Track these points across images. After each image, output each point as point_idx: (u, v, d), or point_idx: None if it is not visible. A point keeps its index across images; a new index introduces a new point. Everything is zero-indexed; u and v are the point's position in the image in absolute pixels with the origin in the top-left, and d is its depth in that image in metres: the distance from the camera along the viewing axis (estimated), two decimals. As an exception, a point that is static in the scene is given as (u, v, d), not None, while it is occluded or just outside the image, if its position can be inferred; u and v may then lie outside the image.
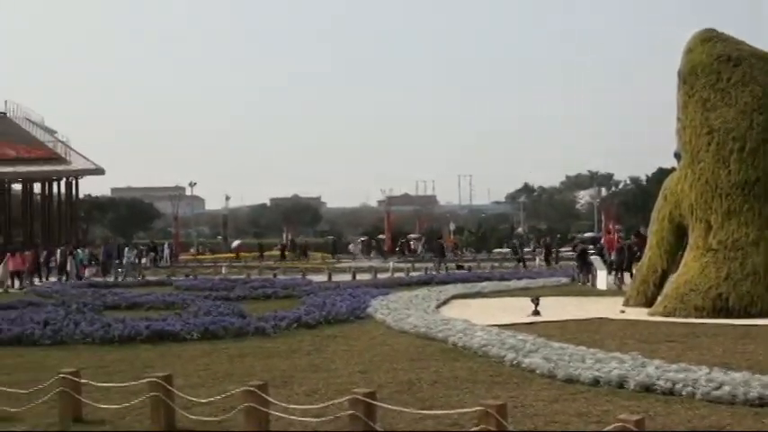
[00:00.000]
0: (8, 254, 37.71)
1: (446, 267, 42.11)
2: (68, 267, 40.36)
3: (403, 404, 8.98)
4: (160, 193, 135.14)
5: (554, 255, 48.47)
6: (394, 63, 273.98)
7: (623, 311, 19.65)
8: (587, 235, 65.12)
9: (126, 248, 47.04)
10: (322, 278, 34.30)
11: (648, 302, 20.01)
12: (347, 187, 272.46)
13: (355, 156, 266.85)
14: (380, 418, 7.68)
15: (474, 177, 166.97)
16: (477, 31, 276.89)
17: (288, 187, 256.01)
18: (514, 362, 11.97)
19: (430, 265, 44.14)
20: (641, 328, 16.61)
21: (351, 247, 51.79)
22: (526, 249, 56.66)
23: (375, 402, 7.40)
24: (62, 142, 63.47)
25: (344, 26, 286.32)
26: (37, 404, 9.45)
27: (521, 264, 44.36)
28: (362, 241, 70.88)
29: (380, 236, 73.28)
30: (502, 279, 31.36)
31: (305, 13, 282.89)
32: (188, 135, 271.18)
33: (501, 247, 69.29)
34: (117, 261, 43.50)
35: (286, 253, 63.30)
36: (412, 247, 66.32)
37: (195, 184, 77.12)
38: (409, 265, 44.49)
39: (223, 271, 43.25)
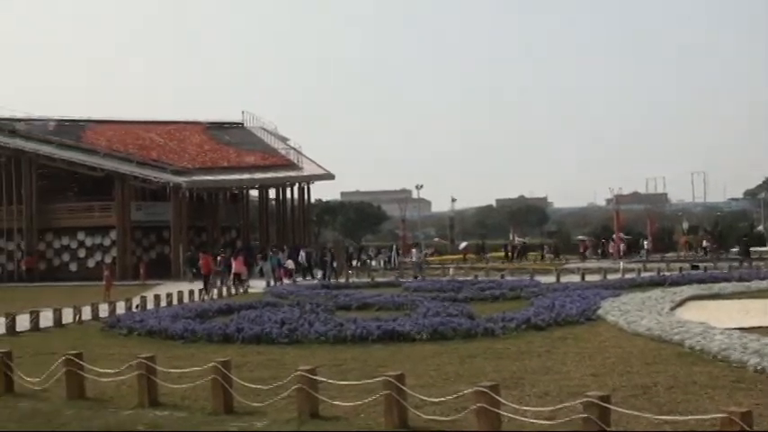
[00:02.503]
0: (232, 256, 39.39)
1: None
2: (265, 269, 41.60)
3: (638, 409, 8.69)
4: (387, 196, 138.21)
5: None
6: (625, 60, 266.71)
7: None
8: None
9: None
10: (550, 279, 33.85)
11: None
12: (574, 187, 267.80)
13: (582, 154, 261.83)
14: (615, 423, 7.47)
15: (708, 174, 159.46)
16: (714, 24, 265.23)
17: (514, 188, 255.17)
18: (758, 367, 11.32)
19: (662, 265, 42.60)
20: None
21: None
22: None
23: (609, 406, 7.21)
24: (294, 149, 66.05)
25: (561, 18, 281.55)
26: (277, 400, 9.85)
27: None
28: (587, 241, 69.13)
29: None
30: (741, 280, 29.73)
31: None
32: (414, 139, 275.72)
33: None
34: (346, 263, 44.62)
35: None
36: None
37: (422, 186, 77.94)
38: (640, 265, 43.08)
39: (450, 272, 43.53)
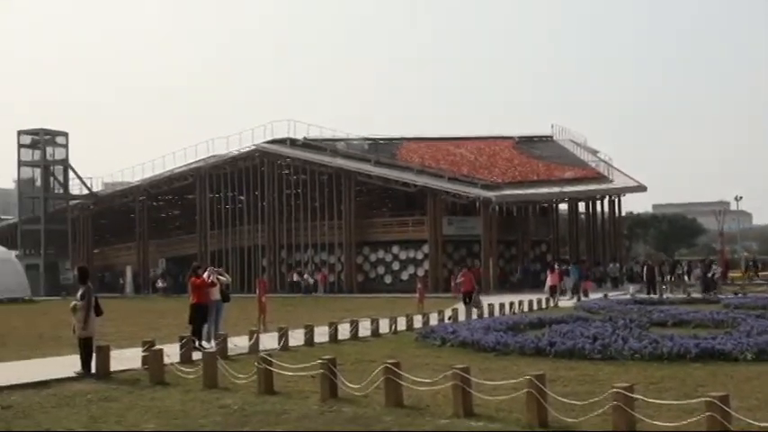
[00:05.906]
0: (548, 270, 39.59)
1: None
2: (567, 284, 41.45)
3: None
4: (703, 208, 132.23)
5: None
6: None
7: None
8: None
9: None
10: None
11: None
12: None
13: None
14: None
15: None
16: None
17: None
18: None
19: None
20: None
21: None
22: None
23: None
24: (604, 162, 65.02)
25: None
26: (591, 416, 9.64)
27: None
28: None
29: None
30: None
31: None
32: (733, 149, 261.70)
33: None
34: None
35: None
36: None
37: (741, 198, 73.72)
38: None
39: (774, 289, 40.87)
